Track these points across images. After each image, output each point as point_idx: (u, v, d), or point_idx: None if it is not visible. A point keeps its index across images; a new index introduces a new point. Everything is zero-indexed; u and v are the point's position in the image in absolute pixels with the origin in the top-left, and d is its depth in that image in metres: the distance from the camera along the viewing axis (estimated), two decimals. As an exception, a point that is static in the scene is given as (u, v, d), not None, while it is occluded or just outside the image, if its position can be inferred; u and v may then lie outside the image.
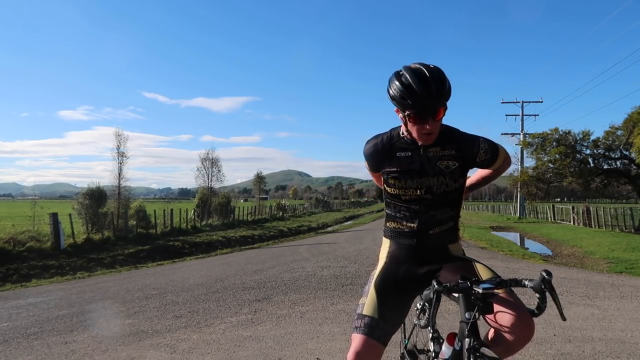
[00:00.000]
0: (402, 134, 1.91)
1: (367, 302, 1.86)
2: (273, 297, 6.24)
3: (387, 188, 1.97)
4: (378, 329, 1.78)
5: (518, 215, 40.62)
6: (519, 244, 18.53)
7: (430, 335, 1.89)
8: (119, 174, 20.47)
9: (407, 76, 1.72)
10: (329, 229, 30.84)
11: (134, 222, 19.89)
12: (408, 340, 2.01)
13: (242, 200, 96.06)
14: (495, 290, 1.62)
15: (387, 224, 2.04)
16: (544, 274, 1.53)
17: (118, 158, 20.59)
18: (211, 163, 32.35)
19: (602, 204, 48.80)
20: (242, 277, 8.18)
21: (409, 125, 1.81)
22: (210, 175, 32.03)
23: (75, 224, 17.01)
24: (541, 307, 1.58)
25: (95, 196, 18.73)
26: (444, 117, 1.83)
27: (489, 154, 1.90)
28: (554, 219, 32.70)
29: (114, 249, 15.62)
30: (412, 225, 1.92)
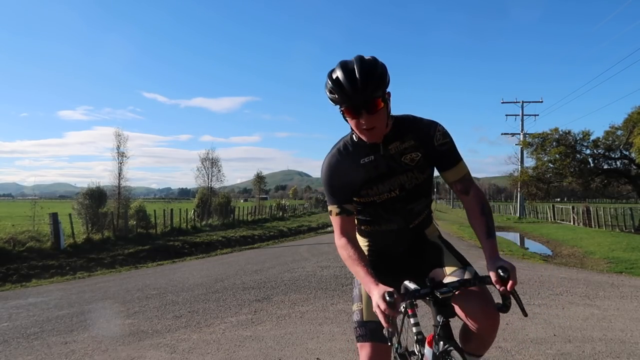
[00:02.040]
0: (354, 138, 1.81)
1: (364, 308, 1.83)
2: (273, 297, 6.24)
3: (359, 199, 1.87)
4: (382, 331, 1.74)
5: (518, 215, 40.62)
6: (519, 244, 18.54)
7: (415, 337, 1.85)
8: (119, 174, 20.49)
9: (336, 70, 1.64)
10: (329, 228, 30.82)
11: (134, 222, 19.88)
12: (399, 343, 1.97)
13: (242, 200, 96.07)
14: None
15: (363, 227, 1.99)
16: (500, 272, 1.53)
17: (118, 158, 20.61)
18: (211, 163, 32.39)
19: (602, 204, 48.79)
20: (242, 277, 8.18)
21: (349, 121, 1.70)
22: (210, 175, 32.07)
23: (75, 224, 17.00)
24: (506, 305, 1.59)
25: (95, 196, 18.73)
26: (389, 110, 1.72)
27: (448, 144, 1.79)
28: (554, 219, 32.71)
29: (114, 249, 15.62)
30: (392, 224, 1.90)
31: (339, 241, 1.82)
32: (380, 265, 1.92)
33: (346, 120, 1.71)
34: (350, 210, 1.83)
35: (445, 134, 1.80)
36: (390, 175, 1.80)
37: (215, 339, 4.35)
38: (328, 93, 1.67)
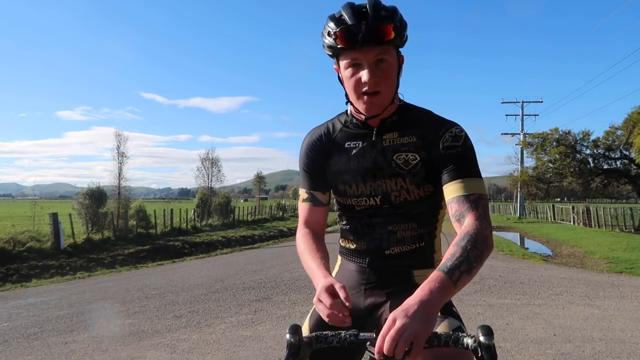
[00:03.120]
0: (349, 113, 1.45)
1: (306, 325, 1.40)
2: (273, 297, 6.24)
3: (337, 198, 1.48)
4: None
5: (518, 215, 40.64)
6: (519, 244, 18.54)
7: None
8: (119, 174, 20.50)
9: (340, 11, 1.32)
10: (329, 228, 30.67)
11: (134, 222, 19.89)
12: None
13: (242, 200, 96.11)
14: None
15: (340, 241, 1.56)
16: (481, 337, 0.98)
17: (118, 158, 20.61)
18: (211, 163, 32.41)
19: (602, 204, 48.82)
20: (242, 277, 8.18)
21: (346, 82, 1.33)
22: (210, 175, 32.09)
23: (75, 224, 17.01)
24: None
25: (95, 196, 18.75)
26: (399, 77, 1.35)
27: (457, 150, 1.32)
28: (554, 218, 32.73)
29: (114, 249, 15.62)
30: (362, 242, 1.44)
31: (300, 231, 1.48)
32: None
33: (342, 85, 1.37)
34: (320, 200, 1.48)
35: (458, 137, 1.34)
36: (375, 175, 1.39)
37: (215, 339, 4.35)
38: (325, 36, 1.31)
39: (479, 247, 1.16)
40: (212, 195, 30.88)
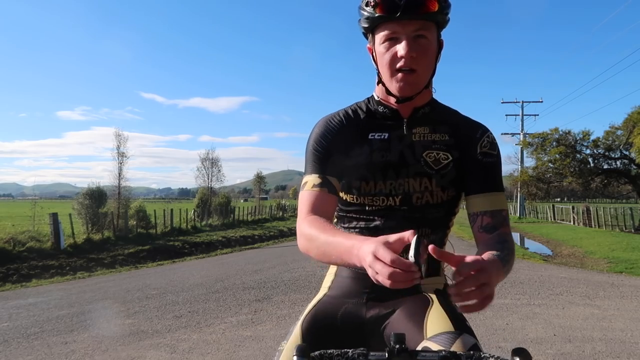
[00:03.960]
0: (377, 97, 1.31)
1: (286, 350, 1.16)
2: (273, 297, 6.25)
3: (345, 195, 1.29)
4: None
5: (518, 215, 40.63)
6: (519, 244, 18.53)
7: None
8: (119, 174, 20.49)
9: None
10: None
11: (134, 222, 19.89)
12: None
13: (242, 200, 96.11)
14: None
15: None
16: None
17: (118, 158, 20.61)
18: (211, 163, 32.39)
19: (602, 203, 48.79)
20: (242, 277, 8.18)
21: (378, 56, 1.21)
22: (210, 175, 32.06)
23: (75, 224, 17.01)
24: None
25: (95, 196, 18.76)
26: (438, 60, 1.23)
27: (494, 158, 1.27)
28: (554, 218, 32.73)
29: (114, 249, 15.62)
30: None
31: (304, 219, 1.21)
32: (335, 310, 1.26)
33: (375, 64, 1.24)
34: (335, 187, 1.26)
35: (495, 145, 1.29)
36: (398, 171, 1.24)
37: (215, 339, 4.36)
38: (363, 7, 1.20)
39: (512, 260, 1.13)
40: (212, 195, 30.88)
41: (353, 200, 1.29)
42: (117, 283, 8.38)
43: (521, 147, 34.97)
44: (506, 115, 41.52)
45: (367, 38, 1.27)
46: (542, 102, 42.20)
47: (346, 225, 1.33)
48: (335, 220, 1.37)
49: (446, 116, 1.31)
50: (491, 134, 1.31)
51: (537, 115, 41.47)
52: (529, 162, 31.46)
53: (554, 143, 26.63)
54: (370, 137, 1.27)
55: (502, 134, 45.21)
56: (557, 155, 26.18)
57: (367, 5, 1.18)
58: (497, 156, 1.28)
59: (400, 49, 1.15)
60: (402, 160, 1.25)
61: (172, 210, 22.17)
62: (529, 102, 41.30)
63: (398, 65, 1.16)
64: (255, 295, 6.41)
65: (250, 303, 5.93)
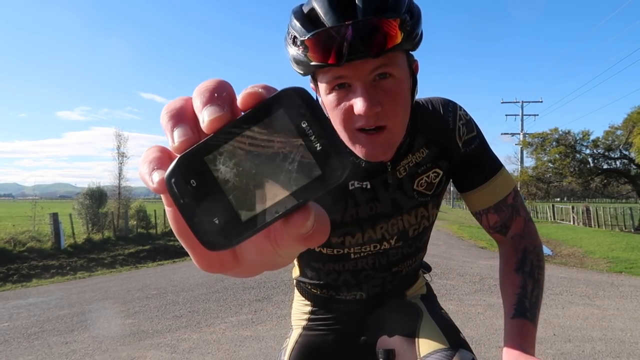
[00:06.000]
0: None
1: None
2: (273, 297, 6.25)
3: (322, 249, 1.06)
4: None
5: (518, 215, 40.62)
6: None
7: None
8: (119, 174, 20.50)
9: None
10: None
11: (135, 222, 19.90)
12: None
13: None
14: None
15: (302, 284, 1.19)
16: None
17: (118, 158, 20.62)
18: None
19: (602, 203, 48.79)
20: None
21: (327, 109, 0.85)
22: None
23: (76, 224, 17.01)
24: None
25: (96, 196, 18.78)
26: (414, 96, 0.91)
27: (477, 141, 1.03)
28: (554, 218, 32.73)
29: (114, 249, 15.62)
30: (356, 293, 1.11)
31: None
32: (321, 343, 1.15)
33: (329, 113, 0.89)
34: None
35: (469, 122, 1.03)
36: (390, 216, 1.03)
37: (216, 339, 4.36)
38: (290, 44, 0.85)
39: (542, 263, 0.98)
40: (212, 195, 30.93)
41: (332, 252, 1.05)
42: (117, 283, 8.39)
43: (521, 147, 34.99)
44: (506, 115, 41.53)
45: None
46: (541, 102, 42.23)
47: (312, 271, 1.13)
48: (297, 271, 1.20)
49: (414, 121, 0.99)
50: (459, 109, 1.02)
51: (537, 115, 41.53)
52: (529, 162, 31.56)
53: (554, 143, 26.66)
54: (350, 186, 1.00)
55: (501, 134, 45.21)
56: (556, 155, 26.21)
57: (294, 43, 0.83)
58: (478, 135, 1.03)
59: (357, 103, 0.80)
60: (396, 206, 1.03)
61: (172, 210, 22.17)
62: (529, 102, 41.33)
63: (358, 125, 0.83)
64: (255, 295, 6.42)
65: (250, 303, 5.94)
